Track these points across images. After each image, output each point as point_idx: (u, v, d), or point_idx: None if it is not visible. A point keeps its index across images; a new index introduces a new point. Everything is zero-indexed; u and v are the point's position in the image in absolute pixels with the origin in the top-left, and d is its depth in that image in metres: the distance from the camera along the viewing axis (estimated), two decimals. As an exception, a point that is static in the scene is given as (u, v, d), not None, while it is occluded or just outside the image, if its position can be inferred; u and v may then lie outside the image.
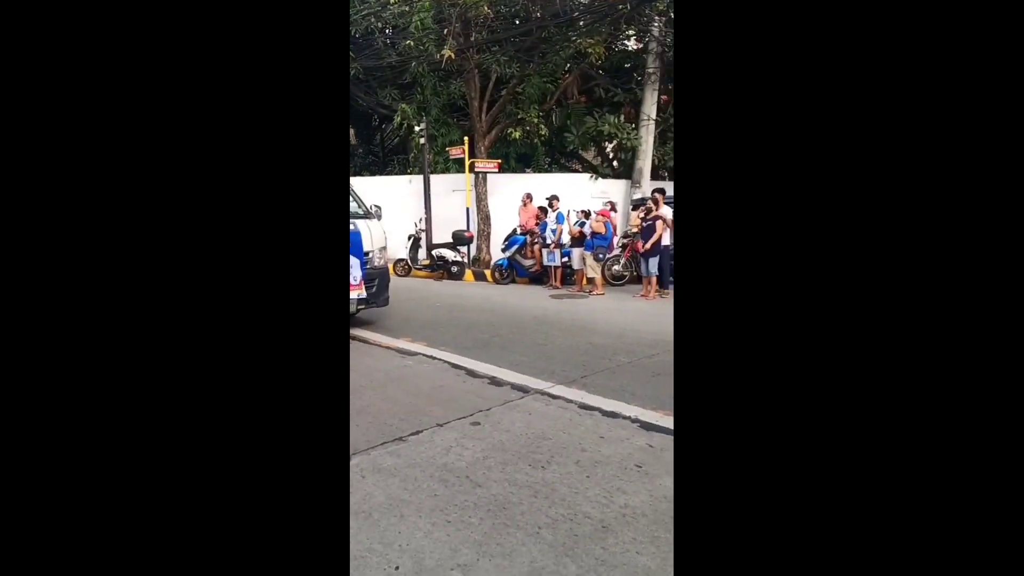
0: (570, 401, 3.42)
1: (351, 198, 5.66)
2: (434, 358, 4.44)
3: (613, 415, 3.18)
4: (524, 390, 3.64)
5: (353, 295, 4.95)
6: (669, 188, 8.36)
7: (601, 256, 8.15)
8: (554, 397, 3.50)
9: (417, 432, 2.93)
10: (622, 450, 2.71)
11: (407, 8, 9.96)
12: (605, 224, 8.21)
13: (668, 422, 3.00)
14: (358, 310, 5.29)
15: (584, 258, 8.24)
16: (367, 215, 5.76)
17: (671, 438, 2.77)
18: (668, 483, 2.34)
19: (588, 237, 8.20)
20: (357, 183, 9.64)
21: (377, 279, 5.46)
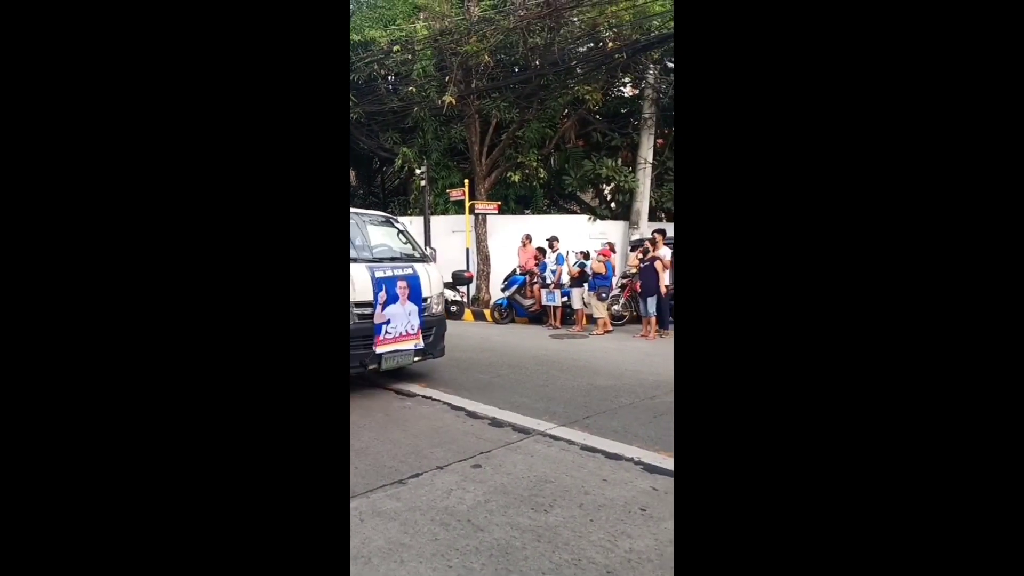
0: (572, 443, 3.37)
1: (406, 239, 5.28)
2: (433, 399, 4.39)
3: (616, 457, 3.13)
4: (525, 431, 3.59)
5: (410, 345, 4.59)
6: (668, 229, 8.46)
7: (604, 296, 8.19)
8: (556, 439, 3.46)
9: (417, 475, 2.88)
10: (626, 493, 2.66)
11: (409, 56, 10.29)
12: (605, 264, 8.29)
13: (671, 464, 2.94)
14: (414, 361, 4.80)
15: (584, 298, 8.27)
16: (423, 258, 5.16)
17: (675, 480, 2.71)
18: (673, 527, 2.28)
19: (590, 277, 8.25)
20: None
21: (435, 327, 4.94)
